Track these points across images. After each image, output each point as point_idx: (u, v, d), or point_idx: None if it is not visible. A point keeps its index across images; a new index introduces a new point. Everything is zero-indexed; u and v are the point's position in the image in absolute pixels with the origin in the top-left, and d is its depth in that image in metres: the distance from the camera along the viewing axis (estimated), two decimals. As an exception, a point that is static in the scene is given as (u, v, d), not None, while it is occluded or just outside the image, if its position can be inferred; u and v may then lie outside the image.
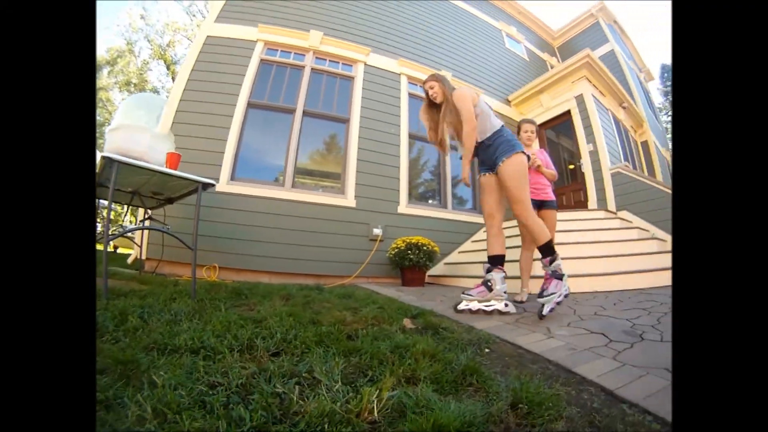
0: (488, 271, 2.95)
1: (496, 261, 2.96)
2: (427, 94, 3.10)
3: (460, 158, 3.03)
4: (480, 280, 2.98)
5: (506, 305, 2.89)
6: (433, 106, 3.14)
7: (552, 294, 2.63)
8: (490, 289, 2.88)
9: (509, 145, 2.86)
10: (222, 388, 1.18)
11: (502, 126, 2.98)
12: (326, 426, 1.02)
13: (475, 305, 2.89)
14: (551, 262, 2.76)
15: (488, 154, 2.96)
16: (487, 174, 3.05)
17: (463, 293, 2.93)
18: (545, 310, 2.60)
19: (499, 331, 2.24)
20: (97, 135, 23.25)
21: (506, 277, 2.98)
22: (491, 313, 2.85)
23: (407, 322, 2.25)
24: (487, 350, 1.90)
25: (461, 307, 2.91)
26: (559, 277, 2.73)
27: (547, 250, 2.77)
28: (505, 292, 2.91)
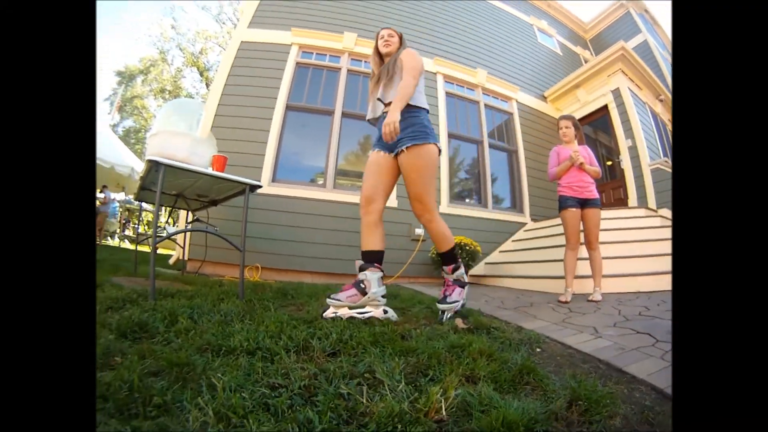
0: (361, 269, 2.43)
1: (373, 257, 2.45)
2: (379, 40, 2.69)
3: (368, 121, 2.70)
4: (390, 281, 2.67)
5: (385, 311, 2.39)
6: (378, 55, 2.72)
7: (455, 302, 2.47)
8: (363, 293, 2.36)
9: (424, 131, 2.40)
10: (284, 390, 1.16)
11: (426, 111, 2.53)
12: (398, 426, 1.01)
13: (345, 312, 2.32)
14: (454, 270, 2.57)
15: (399, 135, 2.40)
16: (381, 152, 2.52)
17: (329, 297, 2.38)
18: (446, 317, 2.41)
19: (547, 331, 2.22)
20: (134, 141, 24.10)
21: (384, 277, 2.50)
22: (368, 321, 2.28)
23: (459, 322, 2.24)
24: (538, 350, 1.89)
25: (328, 314, 2.31)
26: (462, 285, 2.57)
27: (450, 258, 2.55)
28: (383, 296, 2.41)
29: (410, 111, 2.41)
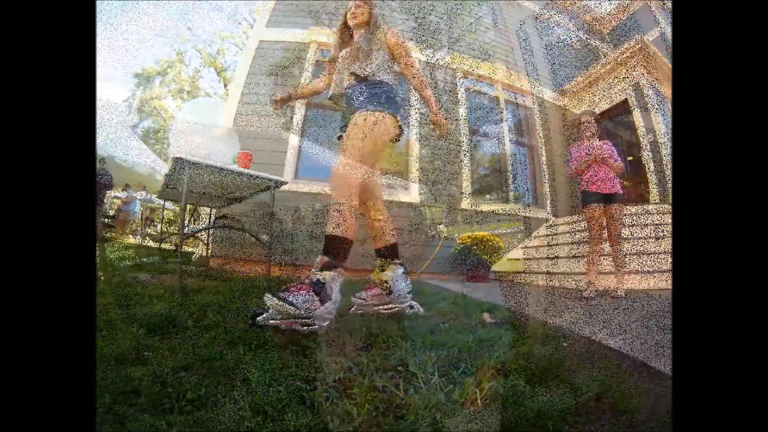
0: (381, 268, 2.25)
1: (390, 253, 2.30)
2: (347, 11, 2.37)
3: (331, 96, 2.36)
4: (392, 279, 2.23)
5: (411, 306, 2.26)
6: (345, 30, 2.43)
7: (291, 305, 1.66)
8: (389, 292, 2.19)
9: (381, 100, 2.09)
10: (319, 384, 1.17)
11: (392, 86, 2.21)
12: (437, 416, 1.02)
13: (371, 308, 2.23)
14: (324, 267, 1.87)
15: (355, 106, 2.14)
16: None
17: (354, 296, 2.24)
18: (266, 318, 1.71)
19: (572, 327, 2.22)
20: (154, 141, 24.49)
21: (406, 273, 2.30)
22: (394, 314, 2.20)
23: (486, 317, 2.24)
24: (564, 344, 1.88)
25: (354, 311, 2.22)
26: (323, 297, 1.76)
27: (331, 246, 1.96)
28: (408, 293, 2.26)
29: (377, 83, 2.16)
